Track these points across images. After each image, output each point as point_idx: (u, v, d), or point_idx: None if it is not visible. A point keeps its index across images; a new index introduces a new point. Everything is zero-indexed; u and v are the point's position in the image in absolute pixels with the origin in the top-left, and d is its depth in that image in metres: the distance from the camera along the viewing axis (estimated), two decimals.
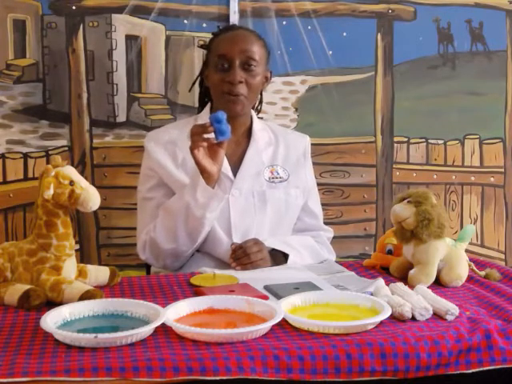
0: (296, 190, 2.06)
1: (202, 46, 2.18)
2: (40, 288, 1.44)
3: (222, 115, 1.72)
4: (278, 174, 2.05)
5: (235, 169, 2.00)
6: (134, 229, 2.05)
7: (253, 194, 2.00)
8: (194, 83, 2.21)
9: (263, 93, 2.15)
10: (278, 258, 1.91)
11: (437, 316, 1.37)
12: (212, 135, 1.73)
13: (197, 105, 2.22)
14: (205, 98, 2.13)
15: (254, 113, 2.11)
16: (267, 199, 2.00)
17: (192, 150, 1.74)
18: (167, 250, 1.91)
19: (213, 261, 1.94)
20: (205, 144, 1.74)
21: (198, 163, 1.76)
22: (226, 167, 1.97)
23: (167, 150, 2.00)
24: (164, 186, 1.99)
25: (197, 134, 1.74)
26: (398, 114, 2.57)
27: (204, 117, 2.03)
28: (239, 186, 1.98)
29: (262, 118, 2.23)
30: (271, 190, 2.02)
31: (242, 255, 1.82)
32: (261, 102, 2.18)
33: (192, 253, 1.96)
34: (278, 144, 2.09)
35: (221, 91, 1.96)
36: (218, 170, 1.80)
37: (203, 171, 1.78)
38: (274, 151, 2.08)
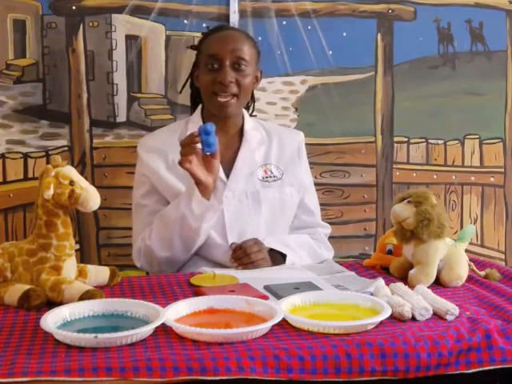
0: (291, 189, 2.04)
1: (191, 47, 2.15)
2: (40, 288, 1.44)
3: (211, 127, 1.71)
4: (272, 172, 2.03)
5: (228, 170, 1.98)
6: None
7: (246, 194, 1.99)
8: (184, 84, 2.20)
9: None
10: (276, 258, 1.91)
11: (437, 316, 1.37)
12: (200, 145, 1.72)
13: None
14: (196, 98, 2.12)
15: (245, 112, 2.09)
16: (261, 199, 1.99)
17: (182, 164, 1.73)
18: (162, 257, 1.91)
19: (208, 264, 1.92)
20: (194, 156, 1.73)
21: (192, 175, 1.76)
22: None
23: (159, 155, 1.99)
24: (156, 192, 1.98)
25: (186, 144, 1.73)
26: (397, 114, 2.56)
27: (195, 119, 2.03)
28: (232, 187, 1.97)
29: (255, 116, 2.21)
30: (265, 190, 2.00)
31: (243, 255, 1.82)
32: (253, 101, 2.17)
33: (187, 258, 1.95)
34: (271, 142, 2.08)
35: (212, 92, 1.95)
36: (213, 181, 1.79)
37: (198, 183, 1.77)
38: (266, 150, 2.06)
